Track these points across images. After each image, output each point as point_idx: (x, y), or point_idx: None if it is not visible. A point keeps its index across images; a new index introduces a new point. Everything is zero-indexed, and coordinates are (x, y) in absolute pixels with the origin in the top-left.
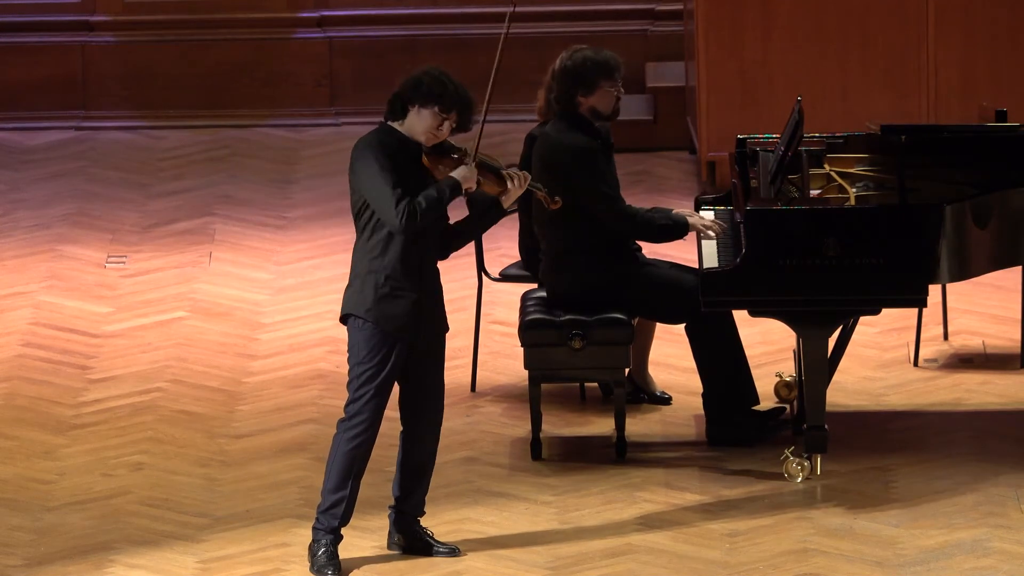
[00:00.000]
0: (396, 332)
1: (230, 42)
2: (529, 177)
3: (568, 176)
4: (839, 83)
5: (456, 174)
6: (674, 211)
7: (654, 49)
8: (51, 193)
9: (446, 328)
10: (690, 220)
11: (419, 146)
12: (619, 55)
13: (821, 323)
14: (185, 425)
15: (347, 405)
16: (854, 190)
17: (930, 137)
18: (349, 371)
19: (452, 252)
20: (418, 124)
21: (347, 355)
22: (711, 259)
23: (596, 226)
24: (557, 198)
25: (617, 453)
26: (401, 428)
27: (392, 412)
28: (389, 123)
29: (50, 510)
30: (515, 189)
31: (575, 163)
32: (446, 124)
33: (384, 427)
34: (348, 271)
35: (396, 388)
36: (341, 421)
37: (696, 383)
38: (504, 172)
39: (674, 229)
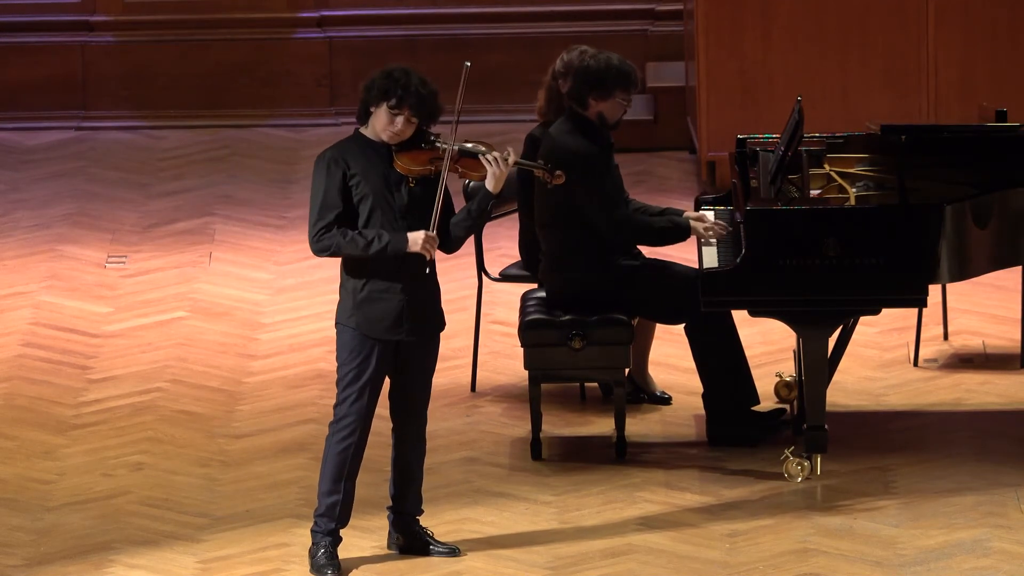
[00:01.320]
0: (379, 335)
1: (230, 42)
2: (512, 155)
3: (567, 181)
4: (839, 83)
5: (410, 235)
6: (685, 213)
7: (654, 49)
8: (51, 193)
9: (440, 327)
10: (692, 224)
11: (389, 148)
12: (619, 55)
13: (821, 323)
14: (185, 425)
15: (335, 407)
16: (854, 190)
17: (930, 137)
18: (337, 372)
19: (457, 246)
20: (377, 123)
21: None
22: (711, 259)
23: (595, 228)
24: (558, 172)
25: (617, 453)
26: (392, 427)
27: (384, 411)
28: (359, 129)
29: (50, 510)
30: (497, 171)
31: (573, 169)
32: (399, 120)
33: (382, 427)
34: None
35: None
36: (331, 424)
37: (696, 383)
38: (482, 156)
39: (675, 232)
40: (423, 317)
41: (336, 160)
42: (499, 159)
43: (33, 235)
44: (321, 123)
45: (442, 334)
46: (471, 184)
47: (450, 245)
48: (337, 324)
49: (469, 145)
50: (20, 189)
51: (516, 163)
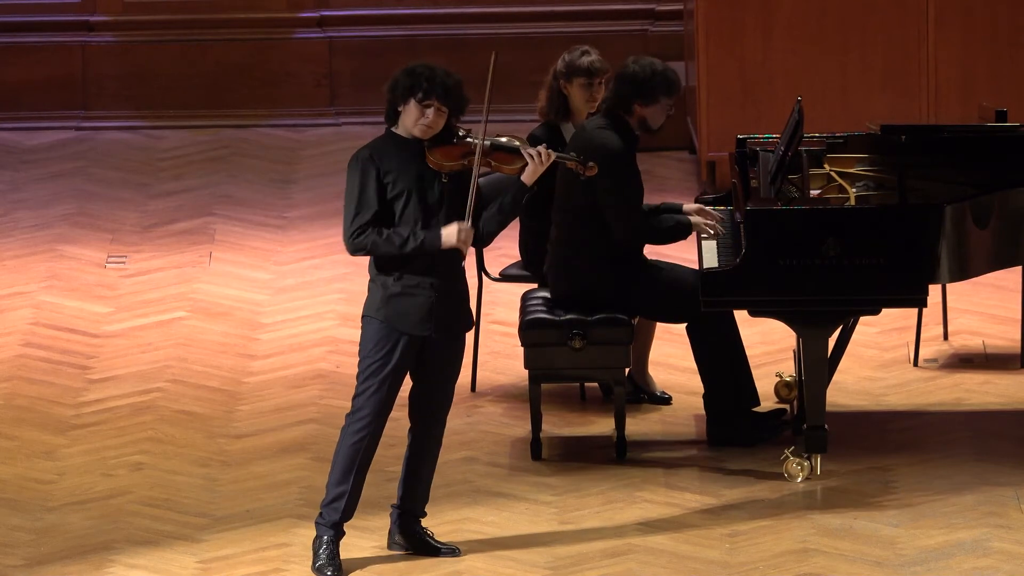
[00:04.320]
0: (407, 329)
1: (230, 42)
2: (552, 152)
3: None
4: (839, 83)
5: (444, 231)
6: (683, 206)
7: (654, 49)
8: (51, 193)
9: (468, 327)
10: (692, 219)
11: (421, 144)
12: (619, 55)
13: (821, 323)
14: (185, 425)
15: (353, 399)
16: (854, 190)
17: (930, 137)
18: (358, 365)
19: (488, 241)
20: (408, 120)
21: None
22: (711, 259)
23: (606, 227)
24: (591, 164)
25: (617, 453)
26: (409, 426)
27: (397, 412)
28: (391, 128)
29: (50, 510)
30: (536, 165)
31: (603, 164)
32: (430, 112)
33: (388, 428)
34: (348, 271)
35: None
36: (347, 415)
37: (696, 383)
38: (523, 150)
39: (678, 230)
40: (452, 315)
41: (370, 159)
42: (540, 153)
43: (33, 235)
44: (321, 123)
45: None
46: None
47: (482, 240)
48: (364, 317)
49: (503, 139)
50: (20, 189)
51: (557, 156)
